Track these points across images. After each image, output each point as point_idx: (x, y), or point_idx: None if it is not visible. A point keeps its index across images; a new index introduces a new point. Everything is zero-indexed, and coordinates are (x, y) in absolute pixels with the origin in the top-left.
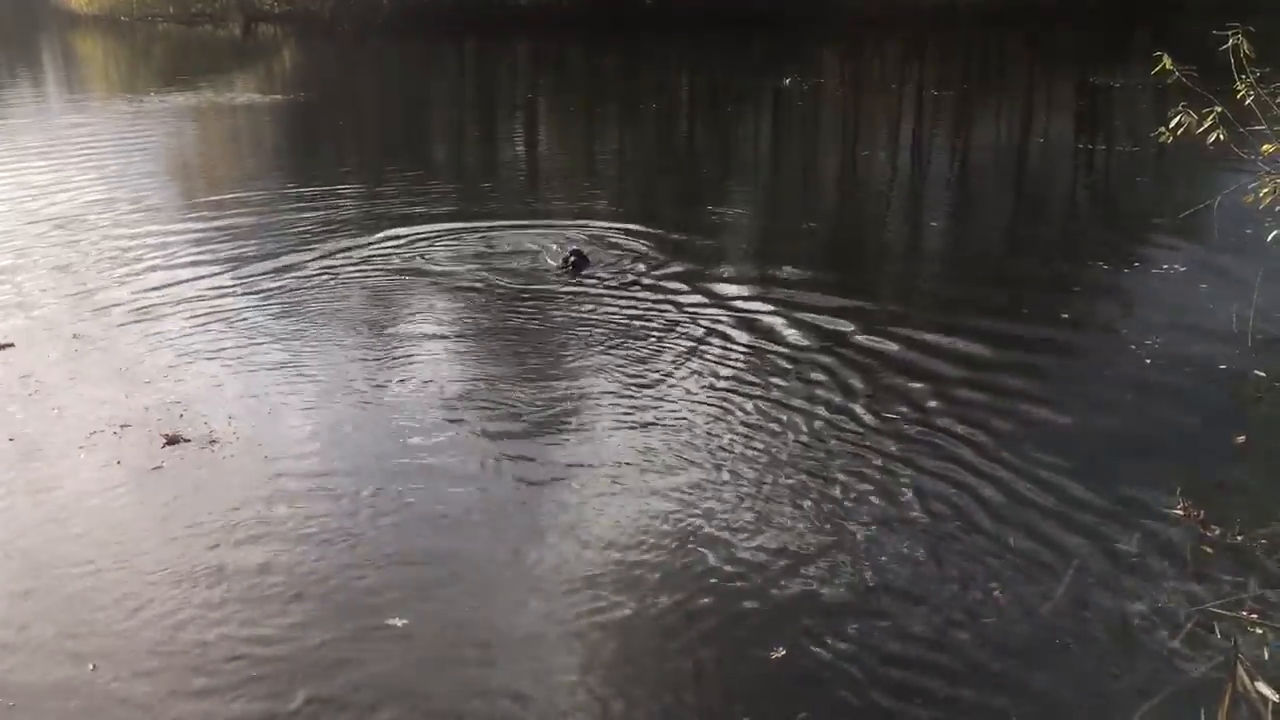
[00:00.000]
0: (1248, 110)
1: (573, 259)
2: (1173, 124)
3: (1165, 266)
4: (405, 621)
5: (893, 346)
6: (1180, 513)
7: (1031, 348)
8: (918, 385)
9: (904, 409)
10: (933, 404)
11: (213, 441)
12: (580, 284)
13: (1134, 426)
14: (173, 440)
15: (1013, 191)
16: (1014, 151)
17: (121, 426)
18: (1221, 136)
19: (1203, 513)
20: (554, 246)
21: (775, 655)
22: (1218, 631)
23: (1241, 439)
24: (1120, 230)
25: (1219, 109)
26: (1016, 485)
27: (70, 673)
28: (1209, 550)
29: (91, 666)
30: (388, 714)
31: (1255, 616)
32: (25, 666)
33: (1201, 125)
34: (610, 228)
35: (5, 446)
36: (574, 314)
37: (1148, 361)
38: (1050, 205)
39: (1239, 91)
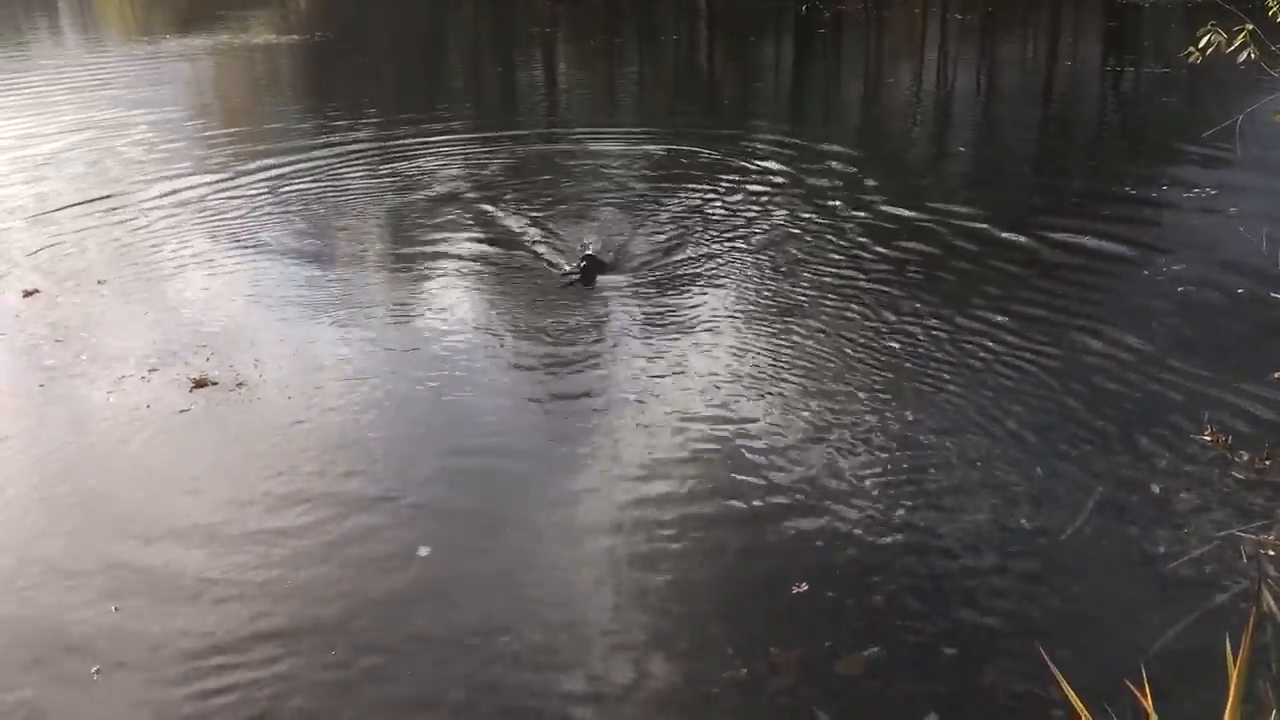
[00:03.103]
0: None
1: (584, 265)
2: (1202, 43)
3: (1196, 189)
4: (429, 550)
5: (919, 268)
6: (1208, 438)
7: (1060, 270)
8: (945, 308)
9: (928, 334)
10: (952, 329)
11: (240, 384)
12: (601, 262)
13: (1162, 351)
14: (200, 383)
15: (1040, 113)
16: (1041, 74)
17: (150, 370)
18: (1253, 55)
19: (1230, 438)
20: (560, 251)
21: (798, 590)
22: (1244, 556)
23: (1277, 375)
24: (1150, 151)
25: (1250, 27)
26: (1042, 409)
27: (93, 613)
28: (1237, 476)
29: (114, 608)
30: (416, 644)
31: None
32: (48, 606)
33: (1232, 44)
34: (630, 134)
35: (35, 392)
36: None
37: (1178, 289)
38: (1078, 127)
39: (1271, 8)
